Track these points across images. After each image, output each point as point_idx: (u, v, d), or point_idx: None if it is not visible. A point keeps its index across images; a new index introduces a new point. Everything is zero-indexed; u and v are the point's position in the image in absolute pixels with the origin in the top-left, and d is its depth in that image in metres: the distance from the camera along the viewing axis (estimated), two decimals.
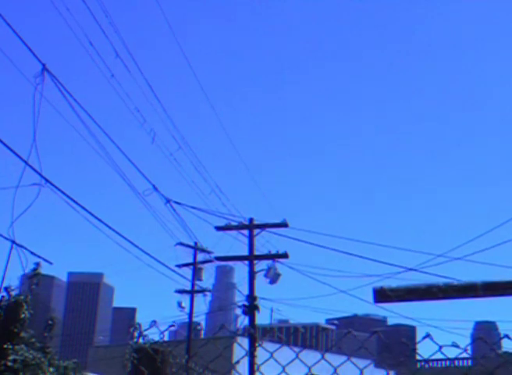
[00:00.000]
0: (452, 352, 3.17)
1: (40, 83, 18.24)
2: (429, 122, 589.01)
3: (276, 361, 2.78)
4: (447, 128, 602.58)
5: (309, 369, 2.85)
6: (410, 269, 25.13)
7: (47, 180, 18.44)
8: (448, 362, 61.29)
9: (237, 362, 3.85)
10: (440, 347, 2.87)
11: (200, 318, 42.65)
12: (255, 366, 26.42)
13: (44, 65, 18.24)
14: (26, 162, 17.78)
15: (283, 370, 2.78)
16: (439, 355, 3.30)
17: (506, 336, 2.78)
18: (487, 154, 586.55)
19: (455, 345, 2.86)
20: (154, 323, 3.23)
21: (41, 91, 18.22)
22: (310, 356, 3.67)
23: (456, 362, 61.04)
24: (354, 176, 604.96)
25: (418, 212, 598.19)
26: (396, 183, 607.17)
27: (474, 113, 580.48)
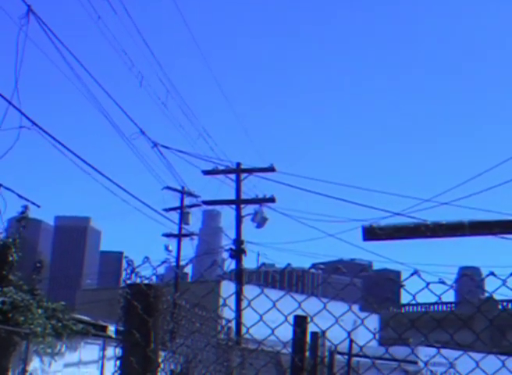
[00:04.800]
0: (438, 290, 3.25)
1: (25, 25, 18.00)
2: (418, 71, 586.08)
3: (267, 297, 2.84)
4: (440, 75, 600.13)
5: (299, 304, 2.92)
6: (397, 214, 25.32)
7: (33, 123, 18.33)
8: (431, 307, 62.35)
9: (228, 296, 3.91)
10: (428, 283, 2.95)
11: (185, 263, 42.80)
12: (242, 304, 26.67)
13: (29, 6, 17.97)
14: (14, 105, 17.65)
15: (274, 306, 2.85)
16: (425, 293, 3.38)
17: (492, 273, 2.85)
18: (478, 101, 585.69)
19: (442, 282, 2.94)
20: (147, 260, 3.27)
21: (26, 33, 17.99)
22: (296, 299, 3.73)
23: (435, 307, 62.15)
24: (341, 121, 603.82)
25: (406, 157, 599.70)
26: (384, 127, 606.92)
27: (475, 61, 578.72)
